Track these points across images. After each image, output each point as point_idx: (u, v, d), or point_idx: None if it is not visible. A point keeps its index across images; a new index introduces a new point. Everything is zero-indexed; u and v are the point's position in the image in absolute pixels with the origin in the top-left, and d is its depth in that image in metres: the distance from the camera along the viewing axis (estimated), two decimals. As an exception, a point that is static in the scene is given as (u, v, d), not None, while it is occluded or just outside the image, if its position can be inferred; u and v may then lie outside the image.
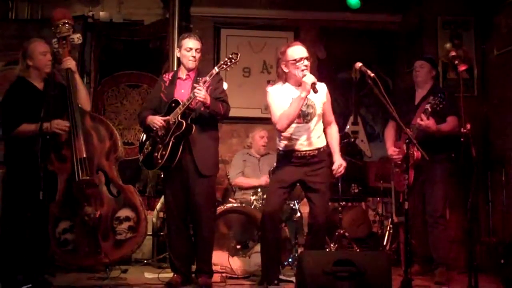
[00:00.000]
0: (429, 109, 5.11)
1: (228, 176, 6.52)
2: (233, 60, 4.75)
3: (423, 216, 5.49)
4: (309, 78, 4.51)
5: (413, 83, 5.73)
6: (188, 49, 4.96)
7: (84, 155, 4.69)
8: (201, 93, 4.67)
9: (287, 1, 7.61)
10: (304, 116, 4.70)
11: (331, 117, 4.92)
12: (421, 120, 5.16)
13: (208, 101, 4.73)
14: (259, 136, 6.48)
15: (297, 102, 4.57)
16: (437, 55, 7.14)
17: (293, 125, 4.71)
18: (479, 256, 5.88)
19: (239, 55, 4.76)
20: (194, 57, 4.97)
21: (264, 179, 6.08)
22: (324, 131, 4.88)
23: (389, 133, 5.74)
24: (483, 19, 7.04)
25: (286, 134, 4.76)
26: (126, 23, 7.59)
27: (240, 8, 7.63)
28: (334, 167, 4.78)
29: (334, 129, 4.93)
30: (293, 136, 4.73)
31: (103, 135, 4.92)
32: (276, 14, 7.65)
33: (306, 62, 4.66)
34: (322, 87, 4.77)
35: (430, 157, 4.75)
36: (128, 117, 7.46)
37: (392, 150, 5.56)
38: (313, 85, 4.49)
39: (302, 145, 4.71)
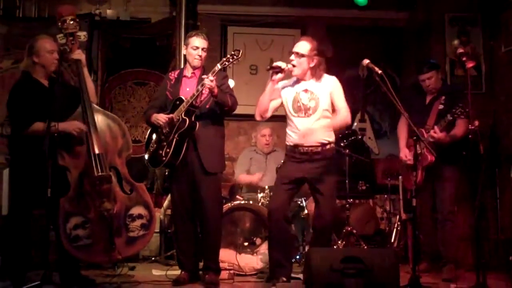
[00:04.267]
0: (450, 118, 5.10)
1: (234, 176, 6.54)
2: (235, 57, 4.76)
3: (431, 213, 5.48)
4: (277, 63, 4.67)
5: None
6: (195, 47, 4.97)
7: (100, 151, 4.68)
8: (212, 83, 4.67)
9: (295, -1, 7.61)
10: (305, 110, 4.71)
11: (340, 104, 4.75)
12: (435, 132, 5.17)
13: (216, 91, 4.74)
14: (260, 135, 6.49)
15: (264, 91, 4.75)
16: (445, 52, 7.15)
17: (294, 119, 4.74)
18: (487, 253, 5.87)
19: (241, 51, 4.78)
20: (200, 56, 4.97)
21: (257, 176, 6.18)
22: None
23: (402, 131, 5.71)
24: (491, 16, 7.02)
25: (289, 128, 4.79)
26: (133, 21, 7.61)
27: (247, 6, 7.64)
28: None
29: (341, 113, 4.74)
30: (295, 130, 4.74)
31: (116, 132, 4.90)
32: (283, 11, 7.66)
33: (292, 57, 4.75)
34: (330, 79, 4.80)
35: (441, 157, 4.74)
36: (135, 115, 7.47)
37: (403, 155, 5.52)
38: (273, 68, 4.65)
39: (304, 140, 4.69)
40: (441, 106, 5.35)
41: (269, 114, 4.88)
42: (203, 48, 4.98)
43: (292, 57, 4.74)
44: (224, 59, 4.80)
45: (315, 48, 4.74)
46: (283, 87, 4.86)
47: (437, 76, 5.54)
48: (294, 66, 4.72)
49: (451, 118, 5.10)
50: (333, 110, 4.80)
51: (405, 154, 5.50)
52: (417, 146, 4.70)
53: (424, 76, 5.54)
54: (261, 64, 7.64)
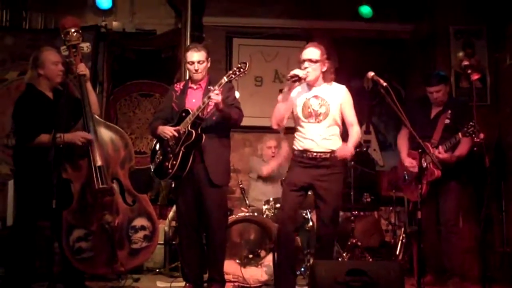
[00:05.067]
0: (460, 137, 5.08)
1: (250, 175, 6.57)
2: (241, 70, 4.75)
3: (436, 226, 5.46)
4: (294, 71, 4.59)
5: (425, 92, 5.66)
6: (191, 62, 4.96)
7: (102, 163, 4.69)
8: (219, 96, 4.67)
9: (299, 11, 7.63)
10: (316, 116, 4.69)
11: (350, 118, 4.79)
12: (439, 153, 5.15)
13: (221, 105, 4.74)
14: (266, 146, 6.51)
15: (279, 99, 4.70)
16: (450, 64, 7.15)
17: (305, 124, 4.72)
18: (493, 266, 5.85)
19: (247, 64, 4.76)
20: (197, 70, 4.96)
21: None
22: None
23: (403, 142, 5.67)
24: (496, 28, 7.02)
25: (298, 133, 4.77)
26: (138, 33, 7.64)
27: (252, 18, 7.66)
28: (339, 148, 4.67)
29: (354, 130, 4.78)
30: (304, 136, 4.72)
31: (118, 144, 4.90)
32: (288, 23, 7.68)
33: (306, 64, 4.68)
34: (340, 89, 4.79)
35: (445, 171, 4.73)
36: (140, 126, 7.49)
37: (409, 162, 5.49)
38: (291, 77, 4.57)
39: (313, 145, 4.68)
40: (447, 121, 5.32)
41: (285, 122, 4.85)
42: (199, 61, 4.95)
43: (306, 64, 4.68)
44: (231, 71, 4.80)
45: (324, 52, 4.75)
46: (293, 96, 4.82)
47: (445, 89, 5.48)
48: (308, 72, 4.70)
49: (461, 137, 5.07)
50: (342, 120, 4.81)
51: (410, 162, 5.47)
52: (422, 159, 4.69)
53: (433, 89, 5.48)
54: (266, 76, 7.66)
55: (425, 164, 5.04)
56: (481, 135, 4.82)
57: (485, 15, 7.13)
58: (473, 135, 4.91)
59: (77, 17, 5.65)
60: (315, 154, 4.68)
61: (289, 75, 4.62)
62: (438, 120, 5.43)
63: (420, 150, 4.61)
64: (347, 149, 4.62)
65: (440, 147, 5.19)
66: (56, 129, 4.30)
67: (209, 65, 5.06)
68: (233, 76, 4.76)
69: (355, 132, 4.77)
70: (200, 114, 4.79)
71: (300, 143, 4.75)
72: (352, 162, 6.45)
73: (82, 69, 4.88)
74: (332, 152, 4.68)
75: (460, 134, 5.06)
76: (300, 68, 4.67)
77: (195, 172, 4.87)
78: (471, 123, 4.90)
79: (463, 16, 7.24)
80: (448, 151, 5.21)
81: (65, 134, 4.45)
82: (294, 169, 4.79)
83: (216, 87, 4.69)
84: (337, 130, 4.77)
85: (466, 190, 5.56)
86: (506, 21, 6.80)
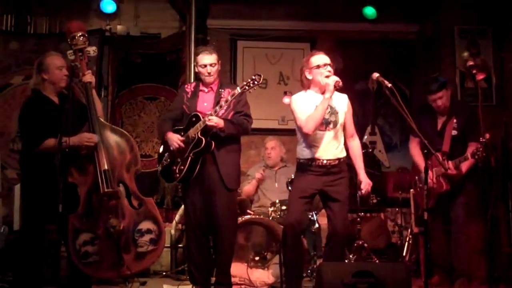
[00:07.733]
0: (469, 157, 5.03)
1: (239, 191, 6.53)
2: (256, 82, 4.71)
3: (443, 226, 5.43)
4: (332, 79, 4.54)
5: (427, 100, 5.58)
6: (203, 65, 4.98)
7: (108, 167, 4.70)
8: (212, 121, 4.72)
9: (304, 13, 7.62)
10: (326, 124, 4.66)
11: (352, 128, 4.83)
12: (449, 169, 5.10)
13: (222, 124, 4.76)
14: (265, 147, 6.49)
15: (323, 104, 4.56)
16: (455, 64, 7.14)
17: (315, 132, 4.69)
18: (500, 267, 5.82)
19: (262, 77, 4.73)
20: (209, 73, 4.97)
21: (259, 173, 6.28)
22: (346, 144, 4.81)
23: (416, 151, 5.53)
24: (501, 28, 7.01)
25: (307, 141, 4.70)
26: (143, 36, 7.65)
27: (256, 20, 7.66)
28: (362, 186, 4.73)
29: (356, 143, 4.84)
30: (314, 144, 4.67)
31: (124, 147, 4.91)
32: (292, 25, 7.67)
33: (329, 68, 4.66)
34: (343, 98, 4.78)
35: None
36: (145, 130, 7.48)
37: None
38: (336, 83, 4.53)
39: (323, 153, 4.65)
40: (454, 132, 5.25)
41: None
42: (211, 64, 4.97)
43: (329, 68, 4.67)
44: (245, 83, 4.75)
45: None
46: (298, 100, 4.77)
47: (447, 94, 5.36)
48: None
49: (470, 157, 5.03)
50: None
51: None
52: (433, 171, 4.64)
53: (436, 96, 5.35)
54: (270, 78, 7.65)
55: (435, 175, 5.03)
56: (487, 135, 4.79)
57: (490, 15, 7.12)
58: (481, 159, 4.89)
59: (82, 21, 5.67)
60: (325, 162, 4.65)
61: (335, 82, 4.53)
62: (445, 131, 5.35)
63: (425, 151, 4.59)
64: (368, 183, 4.75)
65: (450, 163, 5.14)
66: (62, 133, 4.32)
67: (219, 68, 5.07)
68: (246, 87, 4.72)
69: (357, 147, 4.85)
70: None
71: (307, 151, 4.71)
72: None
73: (88, 77, 4.91)
74: (339, 159, 4.69)
75: (469, 155, 5.02)
76: (315, 72, 4.66)
77: (205, 175, 4.87)
78: (479, 146, 4.85)
79: (468, 16, 7.23)
80: (458, 167, 5.17)
81: (70, 138, 4.46)
82: (303, 177, 4.74)
83: (213, 113, 4.74)
84: (342, 138, 4.77)
85: (475, 190, 5.53)
86: (511, 20, 6.78)
